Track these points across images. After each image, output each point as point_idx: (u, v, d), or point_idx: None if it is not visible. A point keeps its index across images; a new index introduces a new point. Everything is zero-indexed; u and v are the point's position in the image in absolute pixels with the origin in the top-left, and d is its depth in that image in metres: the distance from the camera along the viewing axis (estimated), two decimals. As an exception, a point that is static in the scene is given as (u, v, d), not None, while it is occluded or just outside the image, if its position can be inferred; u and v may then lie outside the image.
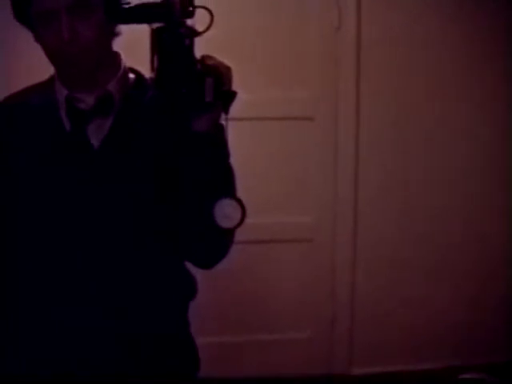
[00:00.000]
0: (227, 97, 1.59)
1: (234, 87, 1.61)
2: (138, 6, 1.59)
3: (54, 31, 1.67)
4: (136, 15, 1.58)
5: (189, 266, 1.95)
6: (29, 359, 1.84)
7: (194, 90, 1.54)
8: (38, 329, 1.84)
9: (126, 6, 1.61)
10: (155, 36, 1.54)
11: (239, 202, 1.61)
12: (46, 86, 1.86)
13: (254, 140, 3.83)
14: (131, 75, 1.85)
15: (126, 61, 1.87)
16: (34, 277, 1.82)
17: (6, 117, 1.86)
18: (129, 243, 1.80)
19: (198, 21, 1.60)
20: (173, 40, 1.54)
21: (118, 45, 1.84)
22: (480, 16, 3.93)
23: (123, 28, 1.77)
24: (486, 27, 3.96)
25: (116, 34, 1.80)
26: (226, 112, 1.62)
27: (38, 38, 1.73)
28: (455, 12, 3.91)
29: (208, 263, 1.87)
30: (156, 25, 1.55)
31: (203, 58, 1.58)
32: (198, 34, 1.57)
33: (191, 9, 1.57)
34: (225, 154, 1.71)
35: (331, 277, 4.06)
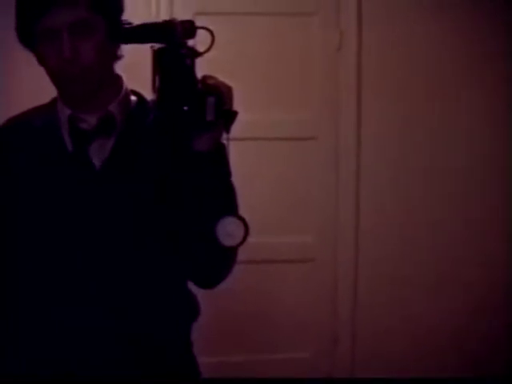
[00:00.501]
0: (228, 116, 1.60)
1: (236, 107, 1.62)
2: (139, 27, 1.60)
3: (56, 50, 1.67)
4: (137, 35, 1.59)
5: (191, 286, 1.95)
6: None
7: (195, 109, 1.55)
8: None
9: (128, 26, 1.63)
10: (156, 56, 1.55)
11: (242, 219, 1.61)
12: (48, 108, 1.86)
13: (255, 160, 3.84)
14: (133, 97, 1.86)
15: (128, 83, 1.88)
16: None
17: (9, 138, 1.87)
18: (130, 264, 1.79)
19: (200, 41, 1.60)
20: (174, 60, 1.55)
21: (119, 67, 1.85)
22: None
23: (124, 50, 1.78)
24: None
25: (118, 57, 1.80)
26: (228, 131, 1.62)
27: (41, 60, 1.74)
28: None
29: (211, 283, 1.86)
30: (157, 45, 1.56)
31: (204, 77, 1.59)
32: (199, 54, 1.58)
33: (192, 29, 1.58)
34: (226, 172, 1.71)
35: (333, 296, 4.06)
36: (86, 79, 1.71)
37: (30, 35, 1.72)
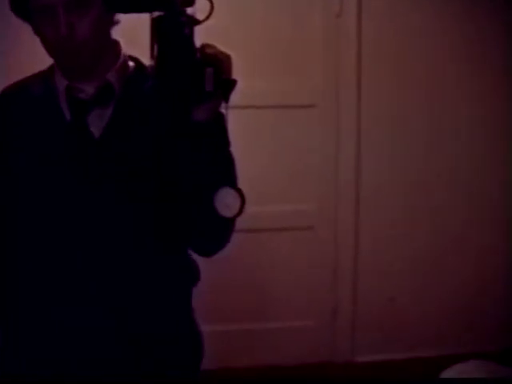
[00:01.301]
0: (227, 85, 1.59)
1: (235, 76, 1.61)
2: None
3: (52, 26, 1.66)
4: (136, 4, 1.57)
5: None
6: (29, 359, 1.85)
7: (193, 79, 1.54)
8: (37, 329, 1.84)
9: None
10: (155, 25, 1.54)
11: (239, 191, 1.61)
12: (46, 76, 1.85)
13: (254, 128, 3.83)
14: (131, 63, 1.85)
15: (126, 48, 1.86)
16: (34, 276, 1.82)
17: (6, 106, 1.86)
18: (129, 233, 1.80)
19: (199, 9, 1.59)
20: (173, 28, 1.53)
21: (117, 33, 1.83)
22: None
23: (122, 16, 1.76)
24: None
25: (115, 23, 1.79)
26: (227, 100, 1.61)
27: (37, 31, 1.73)
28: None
29: (209, 251, 1.87)
30: (156, 13, 1.55)
31: (203, 46, 1.57)
32: (198, 22, 1.57)
33: None
34: (225, 142, 1.71)
35: (333, 264, 4.07)
36: (83, 53, 1.70)
37: (24, 9, 1.71)
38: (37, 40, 1.75)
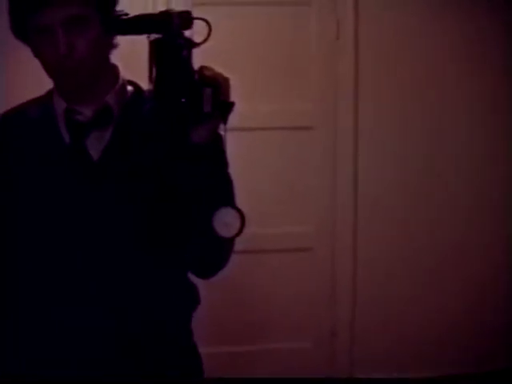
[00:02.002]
0: (225, 107, 1.59)
1: (233, 98, 1.61)
2: (135, 18, 1.59)
3: (51, 46, 1.67)
4: (134, 26, 1.58)
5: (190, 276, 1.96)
6: (29, 359, 1.84)
7: (192, 100, 1.55)
8: (37, 329, 1.83)
9: (124, 18, 1.62)
10: (153, 47, 1.55)
11: (238, 211, 1.61)
12: (45, 100, 1.86)
13: (253, 150, 3.84)
14: (129, 87, 1.85)
15: (124, 73, 1.87)
16: (34, 277, 1.82)
17: (5, 130, 1.87)
18: (129, 254, 1.79)
19: (196, 32, 1.60)
20: (171, 51, 1.54)
21: (115, 57, 1.84)
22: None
23: (121, 40, 1.78)
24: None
25: (114, 46, 1.80)
26: (225, 122, 1.62)
27: (36, 53, 1.74)
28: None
29: (208, 273, 1.87)
30: (154, 36, 1.56)
31: (201, 68, 1.58)
32: (196, 45, 1.57)
33: (189, 20, 1.58)
34: (223, 163, 1.71)
35: (331, 285, 4.07)
36: (81, 73, 1.71)
37: (23, 30, 1.72)
38: (34, 63, 1.76)
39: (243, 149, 3.63)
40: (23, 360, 1.85)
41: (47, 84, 1.84)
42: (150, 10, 3.49)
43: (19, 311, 1.86)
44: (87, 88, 1.75)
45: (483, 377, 3.00)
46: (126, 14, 1.63)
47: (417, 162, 4.04)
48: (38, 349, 1.83)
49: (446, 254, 4.10)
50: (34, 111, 1.86)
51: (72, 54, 1.67)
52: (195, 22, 1.60)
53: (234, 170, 1.75)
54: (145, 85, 1.62)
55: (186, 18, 1.58)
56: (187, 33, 1.58)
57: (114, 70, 1.84)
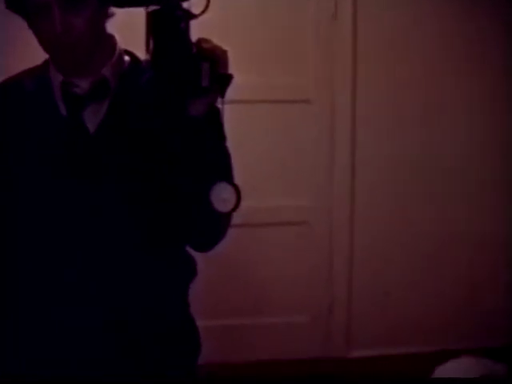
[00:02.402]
0: (223, 80, 1.58)
1: (231, 70, 1.60)
2: None
3: (47, 23, 1.65)
4: None
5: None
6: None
7: (189, 74, 1.53)
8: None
9: None
10: (151, 19, 1.53)
11: (235, 186, 1.60)
12: (41, 71, 1.84)
13: (249, 123, 3.83)
14: (126, 57, 1.84)
15: (121, 42, 1.85)
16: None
17: (1, 101, 1.85)
18: (127, 226, 1.79)
19: (194, 4, 1.59)
20: (168, 23, 1.53)
21: (112, 27, 1.82)
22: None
23: (118, 10, 1.76)
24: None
25: (109, 16, 1.77)
26: (223, 95, 1.61)
27: (32, 27, 1.72)
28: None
29: (205, 246, 1.87)
30: (151, 7, 1.54)
31: (199, 41, 1.57)
32: (194, 16, 1.56)
33: None
34: (221, 137, 1.70)
35: (328, 259, 4.07)
36: (78, 49, 1.69)
37: (19, 6, 1.69)
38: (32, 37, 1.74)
39: (240, 122, 3.60)
40: (23, 360, 1.85)
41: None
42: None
43: (19, 310, 1.85)
44: (84, 62, 1.73)
45: (480, 352, 3.01)
46: None
47: (416, 138, 4.03)
48: (38, 349, 1.83)
49: (444, 237, 4.10)
50: (30, 83, 1.84)
51: (68, 32, 1.65)
52: (193, -7, 1.58)
53: (230, 143, 1.74)
54: (142, 55, 1.61)
55: (184, -11, 1.56)
56: (185, 4, 1.57)
57: (110, 40, 1.82)
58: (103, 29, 1.79)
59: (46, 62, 1.84)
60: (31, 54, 1.87)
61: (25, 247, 1.82)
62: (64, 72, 1.77)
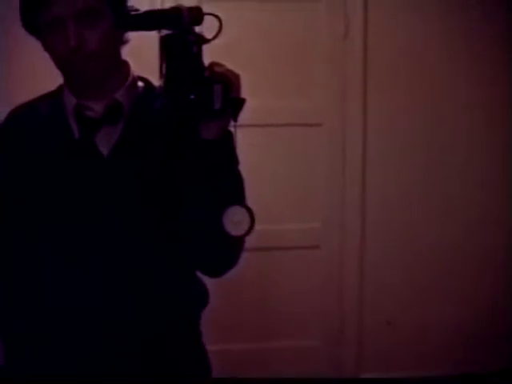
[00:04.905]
0: (236, 104, 1.58)
1: (243, 95, 1.61)
2: (146, 13, 1.59)
3: (61, 38, 1.66)
4: (144, 22, 1.58)
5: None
6: (34, 360, 1.84)
7: (202, 96, 1.54)
8: (45, 331, 1.83)
9: (135, 13, 1.61)
10: (163, 43, 1.54)
11: (248, 209, 1.60)
12: (55, 95, 1.85)
13: (262, 147, 3.84)
14: (140, 84, 1.84)
15: (135, 69, 1.86)
16: (40, 277, 1.82)
17: (16, 125, 1.86)
18: (138, 252, 1.78)
19: (207, 28, 1.60)
20: (181, 47, 1.54)
21: (126, 53, 1.84)
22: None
23: (132, 35, 1.77)
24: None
25: (124, 42, 1.79)
26: (235, 119, 1.61)
27: (46, 47, 1.73)
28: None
29: (218, 271, 1.85)
30: (164, 32, 1.55)
31: (212, 65, 1.58)
32: (206, 41, 1.57)
33: (200, 16, 1.57)
34: (233, 160, 1.70)
35: (339, 283, 4.06)
36: (91, 67, 1.70)
37: (35, 23, 1.71)
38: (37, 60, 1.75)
39: (253, 145, 3.62)
40: (31, 360, 1.84)
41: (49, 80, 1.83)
42: (157, 5, 3.48)
43: (23, 316, 1.85)
44: (97, 83, 1.74)
45: (491, 376, 2.99)
46: (137, 10, 1.63)
47: (426, 159, 4.03)
48: (42, 349, 1.83)
49: (452, 255, 4.08)
50: (44, 106, 1.85)
51: (82, 48, 1.66)
52: (206, 18, 1.59)
53: (242, 166, 1.74)
54: (156, 81, 1.61)
55: (197, 14, 1.57)
56: (197, 29, 1.58)
57: (124, 66, 1.83)
58: (117, 52, 1.80)
59: (59, 88, 1.85)
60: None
61: (32, 246, 1.81)
62: (77, 93, 1.78)
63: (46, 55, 1.74)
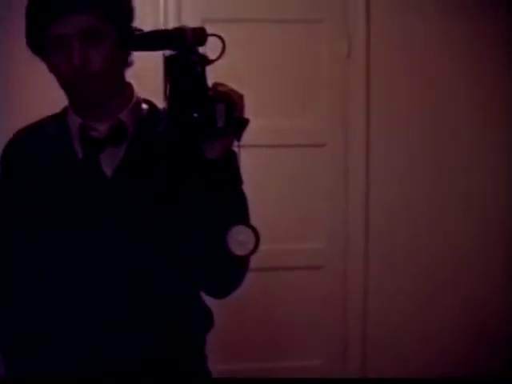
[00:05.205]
0: (239, 123, 1.59)
1: (247, 115, 1.61)
2: (150, 34, 1.60)
3: (66, 57, 1.67)
4: (148, 42, 1.59)
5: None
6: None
7: (205, 115, 1.54)
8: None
9: (139, 34, 1.62)
10: (167, 63, 1.55)
11: (253, 229, 1.60)
12: (60, 117, 1.87)
13: (266, 167, 3.85)
14: (144, 106, 1.85)
15: (138, 90, 1.87)
16: (47, 295, 1.82)
17: (21, 147, 1.87)
18: (143, 273, 1.78)
19: (210, 49, 1.60)
20: (185, 67, 1.55)
21: (130, 75, 1.84)
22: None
23: (135, 57, 1.78)
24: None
25: (128, 64, 1.80)
26: (239, 139, 1.61)
27: (51, 67, 1.73)
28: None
29: (222, 293, 1.83)
30: (168, 52, 1.56)
31: (215, 85, 1.58)
32: (210, 61, 1.58)
33: (203, 36, 1.58)
34: (237, 180, 1.70)
35: (343, 303, 4.05)
36: (94, 87, 1.71)
37: (40, 41, 1.71)
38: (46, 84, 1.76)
39: (256, 165, 3.62)
40: (35, 360, 1.85)
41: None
42: (161, 26, 3.50)
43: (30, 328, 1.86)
44: (100, 103, 1.75)
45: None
46: (141, 30, 1.63)
47: (429, 176, 4.03)
48: (46, 350, 1.83)
49: (458, 267, 4.07)
50: (49, 127, 1.87)
51: (86, 67, 1.67)
52: (209, 38, 1.59)
53: (246, 186, 1.74)
54: (160, 103, 1.62)
55: (200, 35, 1.58)
56: (201, 49, 1.58)
57: (128, 87, 1.85)
58: (121, 75, 1.81)
59: (64, 109, 1.86)
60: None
61: (38, 264, 1.82)
62: (81, 113, 1.79)
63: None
